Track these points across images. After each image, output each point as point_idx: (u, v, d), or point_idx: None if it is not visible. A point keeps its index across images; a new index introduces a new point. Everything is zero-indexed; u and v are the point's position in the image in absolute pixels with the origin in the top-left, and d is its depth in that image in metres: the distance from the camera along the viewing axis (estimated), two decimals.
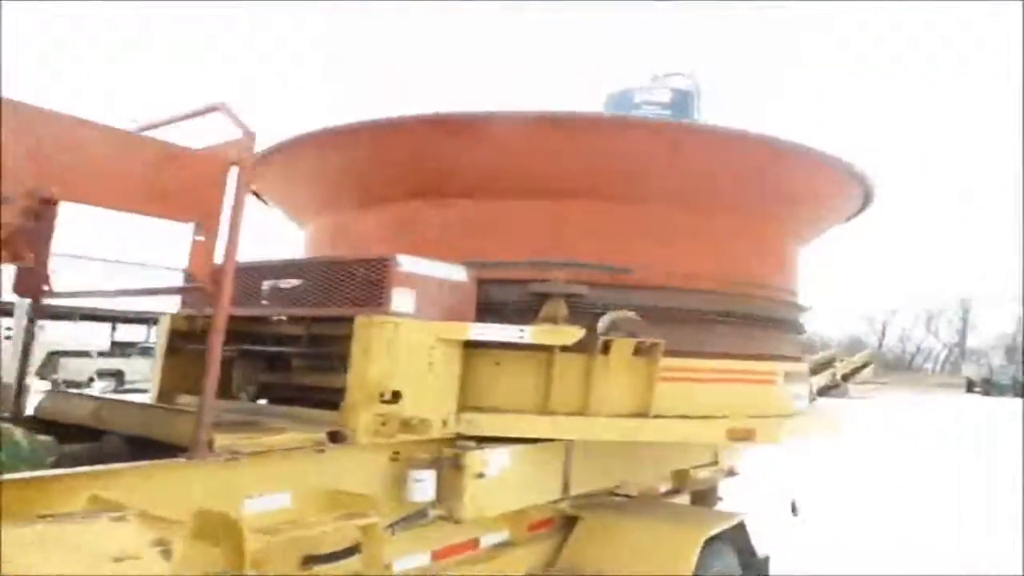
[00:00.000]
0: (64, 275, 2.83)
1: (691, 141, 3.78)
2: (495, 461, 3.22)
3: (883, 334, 72.98)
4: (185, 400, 3.53)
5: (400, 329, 2.97)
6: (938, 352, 74.69)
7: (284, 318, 3.54)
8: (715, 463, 5.43)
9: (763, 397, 3.93)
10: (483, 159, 3.67)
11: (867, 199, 4.56)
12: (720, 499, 6.09)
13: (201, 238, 2.41)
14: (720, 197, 3.82)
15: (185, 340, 3.71)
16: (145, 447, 2.61)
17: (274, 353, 3.58)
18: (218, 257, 2.44)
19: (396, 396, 2.95)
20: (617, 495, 4.50)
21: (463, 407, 3.39)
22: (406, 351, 3.01)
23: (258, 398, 3.74)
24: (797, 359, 4.41)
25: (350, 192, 4.18)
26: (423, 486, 2.96)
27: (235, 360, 3.65)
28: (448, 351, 3.21)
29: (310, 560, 2.65)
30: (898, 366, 66.33)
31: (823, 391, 11.69)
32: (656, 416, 3.51)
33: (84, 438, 2.90)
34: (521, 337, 3.27)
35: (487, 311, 3.47)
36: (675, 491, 5.27)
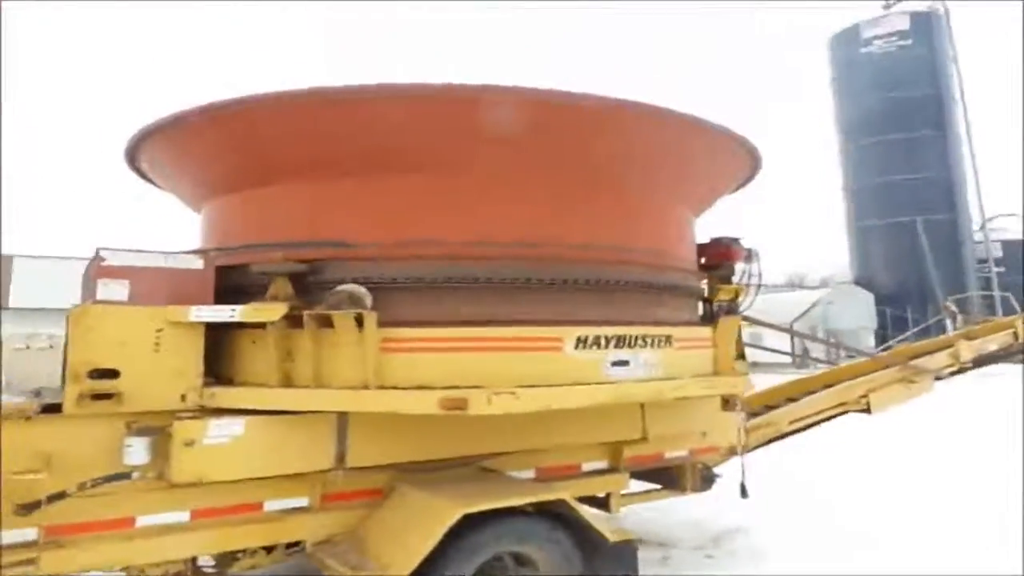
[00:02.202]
0: None
1: (416, 107, 3.63)
2: (217, 431, 3.52)
3: None
4: None
5: (107, 316, 3.45)
6: None
7: None
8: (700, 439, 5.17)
9: (538, 364, 3.62)
10: (248, 146, 3.92)
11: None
12: (714, 477, 5.53)
13: None
14: (463, 159, 3.64)
15: None
16: None
17: None
18: None
19: (109, 374, 3.43)
20: (489, 470, 4.43)
21: (226, 382, 3.75)
22: (120, 334, 3.47)
23: None
24: (627, 323, 3.91)
25: (222, 176, 4.28)
26: (132, 451, 3.39)
27: None
28: (181, 332, 3.60)
29: (22, 508, 3.26)
30: None
31: (987, 359, 9.30)
32: (386, 387, 3.51)
33: None
34: (232, 316, 3.54)
35: (242, 293, 3.77)
36: (612, 468, 4.97)
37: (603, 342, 3.80)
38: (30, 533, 3.23)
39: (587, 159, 3.81)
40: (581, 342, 3.73)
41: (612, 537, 4.01)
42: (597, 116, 3.77)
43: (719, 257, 5.57)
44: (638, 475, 5.77)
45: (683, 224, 4.72)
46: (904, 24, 48.45)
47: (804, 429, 6.98)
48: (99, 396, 3.42)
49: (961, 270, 46.71)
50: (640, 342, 3.94)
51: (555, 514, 3.94)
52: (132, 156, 4.38)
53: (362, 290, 3.53)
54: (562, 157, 3.79)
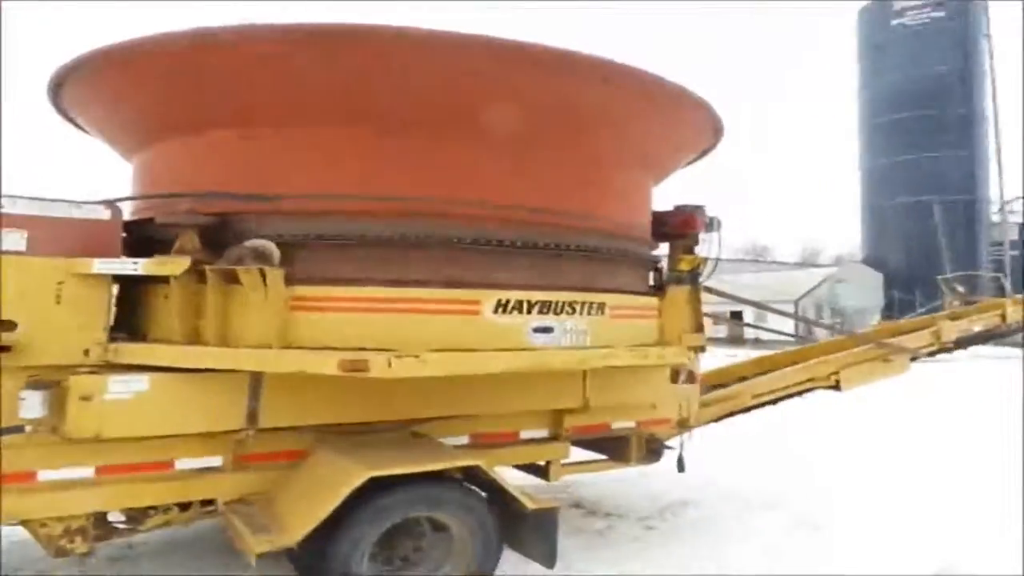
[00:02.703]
0: None
1: (337, 50, 3.43)
2: (119, 387, 3.43)
3: None
4: None
5: (5, 266, 3.33)
6: None
7: None
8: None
9: (454, 327, 3.49)
10: (170, 90, 3.73)
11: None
12: (662, 449, 5.43)
13: None
14: (382, 111, 3.46)
15: None
16: None
17: None
18: None
19: (6, 325, 3.33)
20: (419, 435, 4.33)
21: (141, 338, 3.65)
22: (18, 286, 3.36)
23: None
24: (553, 288, 3.76)
25: (161, 119, 4.02)
26: (27, 404, 3.30)
27: None
28: (84, 285, 3.48)
29: None
30: None
31: (972, 340, 9.09)
32: (292, 347, 3.40)
33: None
34: (135, 269, 3.42)
35: (159, 246, 3.64)
36: (553, 437, 4.87)
37: (525, 307, 3.65)
38: None
39: (517, 113, 3.60)
40: (501, 306, 3.59)
41: (531, 505, 3.92)
42: (531, 65, 3.57)
43: (680, 226, 5.39)
44: (586, 445, 5.71)
45: (632, 190, 4.53)
46: None
47: (769, 403, 6.84)
48: None
49: (974, 252, 45.96)
50: (567, 309, 3.80)
51: (471, 480, 3.85)
52: (56, 93, 4.12)
53: (269, 245, 3.39)
54: (490, 110, 3.60)
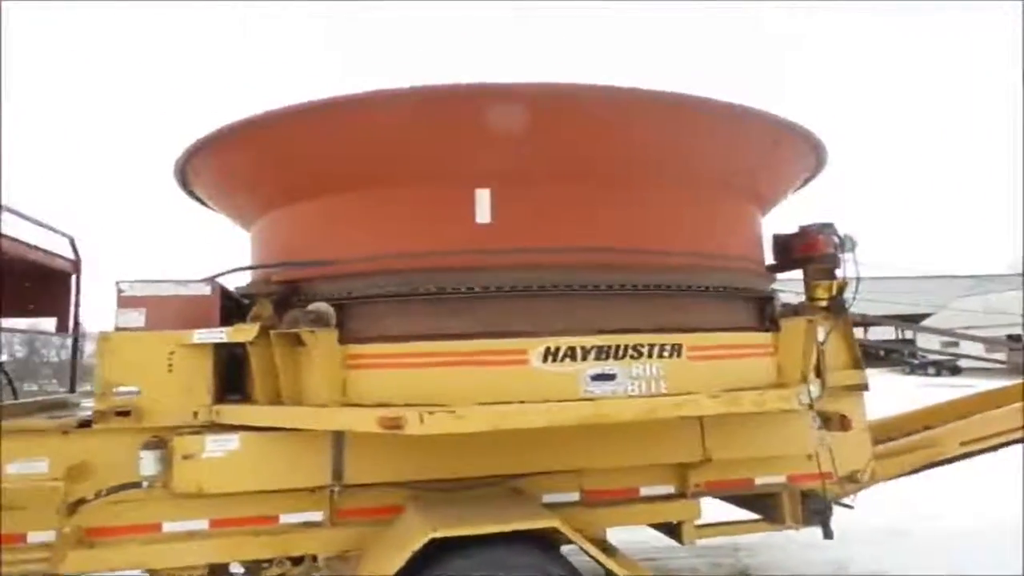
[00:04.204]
0: None
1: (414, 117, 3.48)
2: (214, 446, 3.75)
3: None
4: None
5: (125, 341, 3.85)
6: None
7: None
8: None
9: (501, 379, 3.33)
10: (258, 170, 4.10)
11: None
12: (828, 509, 4.65)
13: None
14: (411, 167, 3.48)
15: None
16: None
17: None
18: None
19: (129, 393, 3.83)
20: (518, 491, 4.17)
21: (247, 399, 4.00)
22: (137, 357, 3.85)
23: None
24: (612, 331, 3.43)
25: (247, 200, 4.34)
26: (144, 463, 3.74)
27: None
28: (190, 354, 3.89)
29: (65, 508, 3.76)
30: None
31: None
32: (350, 404, 3.48)
33: None
34: (221, 337, 3.76)
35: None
36: (680, 494, 4.43)
37: (579, 354, 3.37)
38: (54, 534, 3.67)
39: (562, 153, 3.44)
40: (550, 354, 3.35)
41: (620, 572, 3.55)
42: (578, 106, 3.39)
43: (806, 249, 4.72)
44: (742, 504, 5.07)
45: (726, 220, 4.06)
46: None
47: (982, 452, 5.58)
48: (121, 413, 3.82)
49: None
50: (632, 353, 3.44)
51: (547, 544, 3.58)
52: (184, 179, 4.55)
53: (324, 307, 3.54)
54: (533, 156, 3.47)
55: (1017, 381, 6.26)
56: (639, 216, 3.65)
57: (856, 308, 5.03)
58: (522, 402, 3.30)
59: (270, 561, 4.03)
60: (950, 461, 5.49)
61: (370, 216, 3.60)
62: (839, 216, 4.83)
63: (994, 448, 5.57)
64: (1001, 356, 24.23)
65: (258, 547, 3.93)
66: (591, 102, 3.33)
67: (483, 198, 3.44)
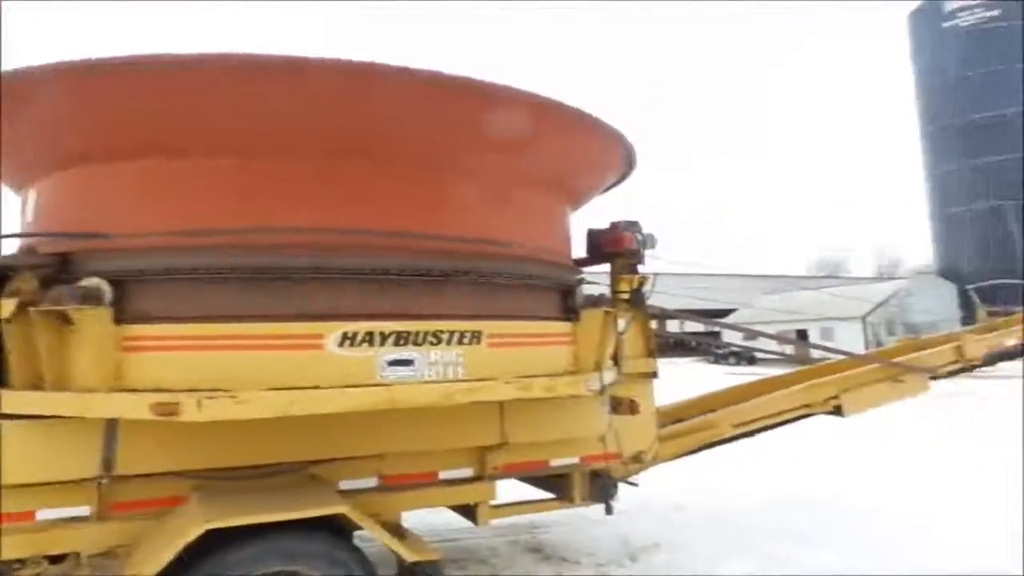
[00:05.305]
0: None
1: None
2: None
3: None
4: None
5: None
6: None
7: None
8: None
9: (294, 364, 3.22)
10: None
11: None
12: (613, 487, 4.97)
13: None
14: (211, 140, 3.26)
15: None
16: None
17: None
18: None
19: None
20: (315, 477, 4.05)
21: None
22: None
23: None
24: (411, 317, 3.44)
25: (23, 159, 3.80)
26: None
27: None
28: None
29: None
30: None
31: (1011, 354, 8.09)
32: (126, 390, 3.19)
33: None
34: None
35: None
36: (477, 476, 4.51)
37: (377, 339, 3.34)
38: None
39: (358, 133, 3.35)
40: (348, 339, 3.29)
41: (410, 557, 3.58)
42: (358, 86, 3.30)
43: (612, 244, 5.03)
44: (539, 484, 5.30)
45: (531, 212, 4.19)
46: None
47: (755, 433, 6.25)
48: None
49: None
50: (431, 339, 3.46)
51: (338, 531, 3.54)
52: None
53: (96, 283, 3.22)
54: (330, 134, 3.36)
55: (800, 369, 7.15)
56: (441, 203, 3.67)
57: (673, 303, 5.44)
58: (316, 387, 3.21)
59: (22, 561, 3.64)
60: (729, 440, 6.09)
61: (151, 188, 3.32)
62: (650, 217, 5.23)
63: (765, 429, 6.26)
64: (789, 349, 27.45)
65: (9, 547, 3.52)
66: (382, 83, 3.25)
67: (271, 174, 3.29)
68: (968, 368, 7.52)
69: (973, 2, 45.24)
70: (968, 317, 38.52)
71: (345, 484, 4.08)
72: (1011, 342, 7.88)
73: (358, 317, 3.33)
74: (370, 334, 3.33)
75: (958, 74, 45.02)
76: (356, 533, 3.72)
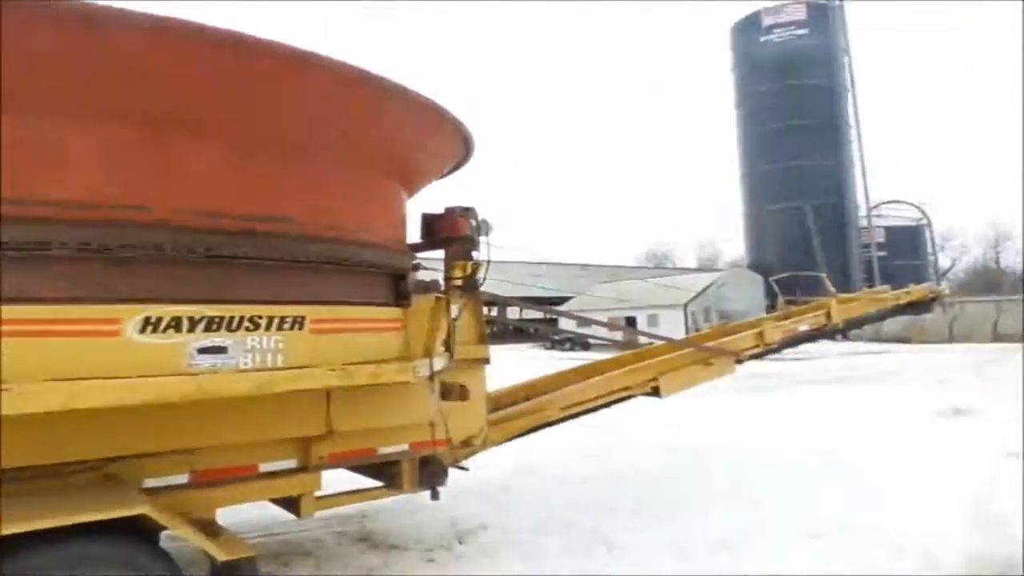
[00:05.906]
0: None
1: None
2: None
3: None
4: None
5: None
6: None
7: None
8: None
9: (87, 352, 2.90)
10: None
11: None
12: (442, 473, 4.97)
13: None
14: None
15: None
16: None
17: None
18: None
19: None
20: (112, 476, 3.68)
21: None
22: None
23: None
24: (225, 301, 3.23)
25: None
26: None
27: None
28: None
29: None
30: None
31: (804, 338, 9.22)
32: None
33: None
34: None
35: None
36: (301, 468, 4.31)
37: (185, 324, 3.10)
38: None
39: (154, 98, 3.05)
40: (151, 324, 3.02)
41: (221, 556, 3.38)
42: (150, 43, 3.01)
43: (447, 229, 4.99)
44: (369, 472, 5.21)
45: (358, 193, 4.06)
46: (801, 14, 50.27)
47: (581, 415, 6.56)
48: None
49: (846, 254, 48.84)
50: (248, 324, 3.27)
51: (142, 532, 3.26)
52: None
53: None
54: (149, 100, 3.04)
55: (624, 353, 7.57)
56: (259, 180, 3.43)
57: (511, 291, 5.48)
58: (112, 378, 2.91)
59: None
60: (557, 423, 6.32)
61: None
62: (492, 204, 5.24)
63: (591, 411, 6.58)
64: (619, 335, 29.11)
65: None
66: (175, 40, 2.97)
67: (53, 138, 2.91)
68: (767, 351, 8.39)
69: (786, 20, 50.33)
70: (772, 306, 43.03)
71: (151, 482, 3.76)
72: (804, 328, 8.89)
73: (162, 300, 3.06)
74: (177, 319, 3.07)
75: (771, 85, 49.81)
76: (170, 534, 3.46)
